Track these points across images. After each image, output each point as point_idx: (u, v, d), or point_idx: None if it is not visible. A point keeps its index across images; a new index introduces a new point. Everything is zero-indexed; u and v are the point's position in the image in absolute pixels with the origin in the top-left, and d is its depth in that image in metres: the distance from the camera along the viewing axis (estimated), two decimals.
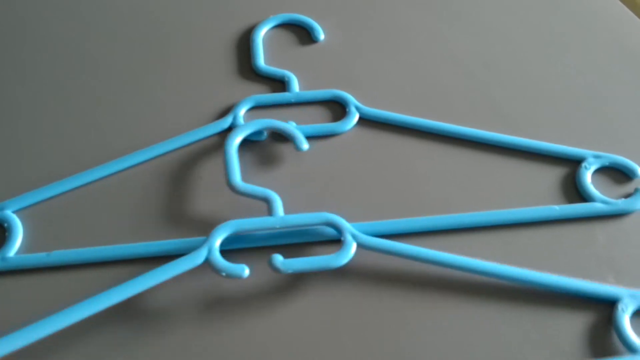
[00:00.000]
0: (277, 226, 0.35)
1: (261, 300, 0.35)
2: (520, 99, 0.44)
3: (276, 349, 0.33)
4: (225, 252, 0.34)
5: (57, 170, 0.39)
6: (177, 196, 0.39)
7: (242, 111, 0.42)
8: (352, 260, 0.34)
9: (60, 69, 0.45)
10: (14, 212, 0.38)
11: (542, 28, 0.49)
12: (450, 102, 0.44)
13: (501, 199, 0.38)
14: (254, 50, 0.46)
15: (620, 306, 0.34)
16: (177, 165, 0.40)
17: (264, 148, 0.41)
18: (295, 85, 0.44)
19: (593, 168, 0.39)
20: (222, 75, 0.45)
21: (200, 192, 0.39)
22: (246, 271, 0.33)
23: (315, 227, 0.36)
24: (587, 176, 0.39)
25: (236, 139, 0.39)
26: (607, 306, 0.34)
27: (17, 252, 0.36)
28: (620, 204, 0.38)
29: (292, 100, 0.43)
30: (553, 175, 0.40)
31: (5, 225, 0.37)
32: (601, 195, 0.38)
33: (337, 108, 0.43)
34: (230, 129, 0.42)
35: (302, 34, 0.48)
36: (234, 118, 0.42)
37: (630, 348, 0.32)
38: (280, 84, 0.45)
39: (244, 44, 0.47)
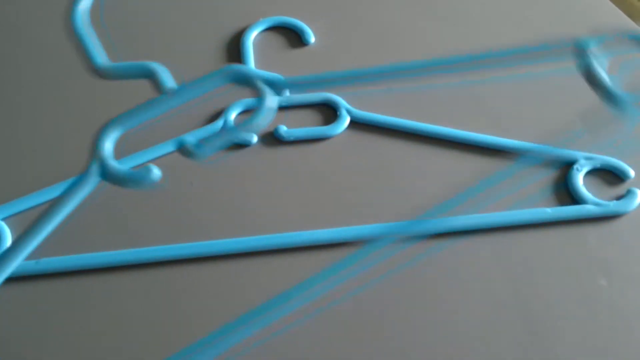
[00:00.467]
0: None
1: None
2: (511, 100, 0.44)
3: None
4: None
5: (46, 177, 0.39)
6: (168, 202, 0.39)
7: (232, 115, 0.42)
8: None
9: (50, 73, 0.45)
10: (2, 219, 0.38)
11: (533, 28, 0.49)
12: (440, 104, 0.44)
13: (492, 201, 0.38)
14: (244, 53, 0.46)
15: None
16: (167, 171, 0.40)
17: (254, 152, 0.41)
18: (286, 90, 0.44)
19: (584, 170, 0.39)
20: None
21: (191, 198, 0.39)
22: (155, 170, 0.25)
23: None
24: (579, 178, 0.39)
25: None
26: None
27: None
28: (612, 205, 0.38)
29: (283, 103, 0.43)
30: (545, 177, 0.40)
31: None
32: (593, 197, 0.38)
33: (328, 111, 0.43)
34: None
35: (293, 37, 0.48)
36: (225, 122, 0.42)
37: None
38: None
39: (234, 48, 0.47)
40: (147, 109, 0.27)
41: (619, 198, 0.38)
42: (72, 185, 0.27)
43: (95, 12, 0.32)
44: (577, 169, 0.39)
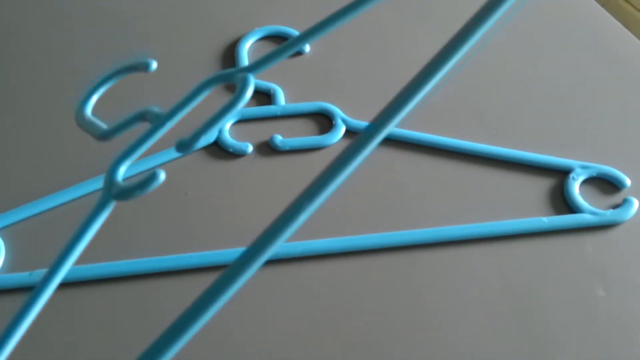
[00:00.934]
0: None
1: None
2: (507, 109, 0.44)
3: None
4: None
5: (40, 188, 0.39)
6: (162, 213, 0.38)
7: (227, 125, 0.42)
8: None
9: (39, 83, 0.45)
10: None
11: (528, 37, 0.49)
12: (436, 112, 0.43)
13: (489, 211, 0.38)
14: (239, 62, 0.46)
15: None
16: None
17: (249, 162, 0.41)
18: (281, 97, 0.44)
19: (581, 179, 0.39)
20: None
21: (186, 208, 0.39)
22: (162, 175, 0.25)
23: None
24: (575, 187, 0.39)
25: None
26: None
27: None
28: (609, 214, 0.38)
29: (278, 113, 0.43)
30: (540, 186, 0.40)
31: None
32: (589, 206, 0.38)
33: (324, 120, 0.43)
34: (216, 143, 0.41)
35: None
36: (220, 132, 0.41)
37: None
38: (266, 96, 0.44)
39: (229, 57, 0.47)
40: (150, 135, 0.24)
41: (615, 207, 0.38)
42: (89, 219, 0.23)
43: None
44: (574, 178, 0.39)
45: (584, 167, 0.40)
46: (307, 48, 0.47)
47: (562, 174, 0.40)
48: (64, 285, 0.35)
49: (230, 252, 0.36)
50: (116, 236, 0.37)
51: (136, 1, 0.51)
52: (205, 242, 0.37)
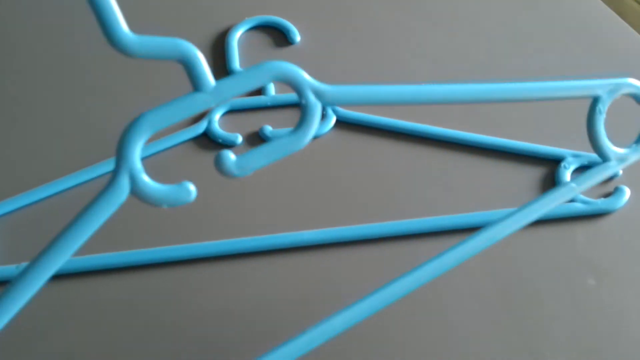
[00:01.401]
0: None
1: None
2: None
3: None
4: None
5: (26, 181, 0.39)
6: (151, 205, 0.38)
7: (217, 116, 0.42)
8: None
9: (28, 75, 0.45)
10: None
11: (519, 26, 0.48)
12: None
13: (479, 201, 0.38)
14: (228, 53, 0.46)
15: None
16: (151, 173, 0.39)
17: (238, 153, 0.40)
18: (272, 88, 0.43)
19: (572, 167, 0.39)
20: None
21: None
22: (191, 188, 0.24)
23: None
24: (567, 176, 0.39)
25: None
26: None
27: None
28: (600, 203, 0.38)
29: (269, 103, 0.43)
30: (532, 175, 0.39)
31: None
32: (580, 195, 0.38)
33: None
34: (205, 134, 0.41)
35: (278, 36, 0.47)
36: (209, 123, 0.41)
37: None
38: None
39: (219, 47, 0.46)
40: (180, 107, 0.23)
41: (607, 196, 0.38)
42: (96, 201, 0.23)
43: None
44: (565, 167, 0.39)
45: (575, 156, 0.39)
46: (298, 39, 0.47)
47: (553, 163, 0.40)
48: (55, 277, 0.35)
49: (219, 244, 0.36)
50: (103, 229, 0.37)
51: None
52: (193, 234, 0.36)
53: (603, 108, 0.31)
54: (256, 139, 0.41)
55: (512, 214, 0.31)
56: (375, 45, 0.47)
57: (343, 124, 0.42)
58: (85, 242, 0.24)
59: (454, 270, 0.35)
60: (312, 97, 0.25)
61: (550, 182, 0.39)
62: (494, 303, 0.34)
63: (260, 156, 0.25)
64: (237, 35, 0.47)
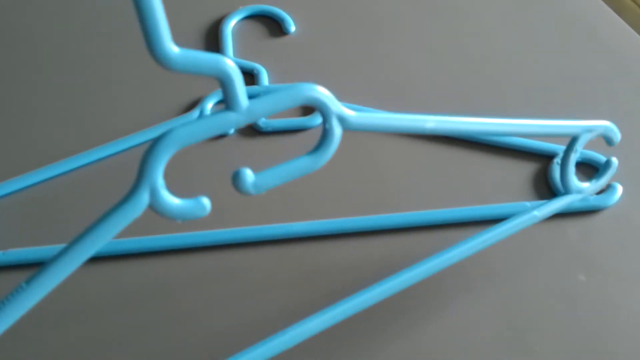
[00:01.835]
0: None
1: None
2: (492, 93, 0.43)
3: None
4: None
5: (14, 167, 0.38)
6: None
7: (209, 105, 0.41)
8: None
9: (19, 62, 0.44)
10: None
11: (518, 24, 0.48)
12: (423, 94, 0.43)
13: (471, 195, 0.38)
14: (223, 42, 0.45)
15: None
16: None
17: (231, 143, 0.40)
18: (265, 78, 0.43)
19: None
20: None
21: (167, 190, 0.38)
22: (206, 203, 0.25)
23: None
24: (559, 172, 0.38)
25: None
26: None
27: None
28: (593, 200, 0.37)
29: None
30: (525, 170, 0.39)
31: None
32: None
33: None
34: None
35: (273, 26, 0.47)
36: (201, 112, 0.41)
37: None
38: (249, 76, 0.44)
39: (213, 36, 0.46)
40: (211, 125, 0.22)
41: (599, 192, 0.38)
42: (112, 213, 0.24)
43: None
44: (557, 162, 0.39)
45: None
46: (293, 28, 0.47)
47: (546, 158, 0.40)
48: (36, 265, 0.35)
49: (209, 234, 0.36)
50: (93, 216, 0.37)
51: None
52: (184, 224, 0.36)
53: (579, 147, 0.34)
54: (249, 128, 0.40)
55: (476, 237, 0.33)
56: (370, 36, 0.47)
57: None
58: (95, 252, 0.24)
59: (445, 265, 0.35)
60: (335, 123, 0.25)
61: (543, 177, 0.39)
62: (485, 297, 0.34)
63: (277, 176, 0.26)
64: (231, 24, 0.47)
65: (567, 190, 0.35)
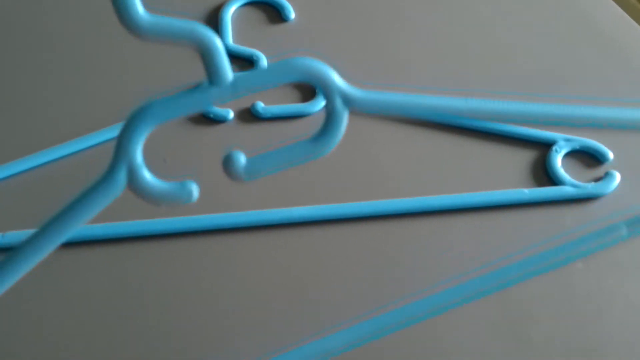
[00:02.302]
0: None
1: None
2: (491, 81, 0.43)
3: None
4: None
5: (13, 150, 0.38)
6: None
7: None
8: None
9: (11, 48, 0.44)
10: None
11: (522, 19, 0.48)
12: (424, 81, 0.43)
13: (470, 182, 0.38)
14: (222, 28, 0.45)
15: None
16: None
17: (230, 129, 0.40)
18: (264, 64, 0.43)
19: (563, 151, 0.39)
20: (189, 55, 0.44)
21: (164, 175, 0.38)
22: (192, 188, 0.22)
23: None
24: (557, 159, 0.39)
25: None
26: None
27: None
28: (590, 187, 0.38)
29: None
30: (523, 158, 0.39)
31: None
32: (571, 179, 0.38)
33: (307, 89, 0.42)
34: None
35: (272, 12, 0.47)
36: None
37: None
38: (249, 63, 0.43)
39: (212, 23, 0.46)
40: (191, 100, 0.20)
41: (597, 180, 0.38)
42: (90, 191, 0.22)
43: None
44: (556, 151, 0.39)
45: (567, 140, 0.39)
46: (292, 15, 0.47)
47: (545, 146, 0.40)
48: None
49: (208, 218, 0.36)
50: None
51: None
52: (183, 209, 0.36)
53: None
54: (248, 115, 0.40)
55: None
56: (369, 24, 0.47)
57: None
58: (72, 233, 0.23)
59: (442, 251, 0.35)
60: (339, 103, 0.22)
61: (541, 165, 0.39)
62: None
63: (272, 162, 0.23)
64: (230, 11, 0.46)
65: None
